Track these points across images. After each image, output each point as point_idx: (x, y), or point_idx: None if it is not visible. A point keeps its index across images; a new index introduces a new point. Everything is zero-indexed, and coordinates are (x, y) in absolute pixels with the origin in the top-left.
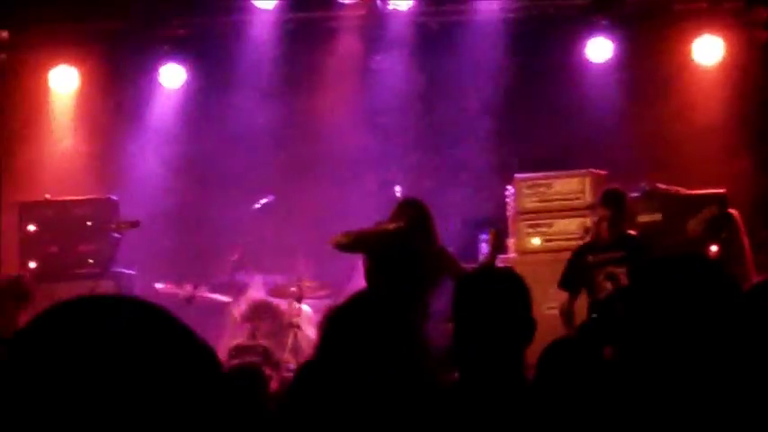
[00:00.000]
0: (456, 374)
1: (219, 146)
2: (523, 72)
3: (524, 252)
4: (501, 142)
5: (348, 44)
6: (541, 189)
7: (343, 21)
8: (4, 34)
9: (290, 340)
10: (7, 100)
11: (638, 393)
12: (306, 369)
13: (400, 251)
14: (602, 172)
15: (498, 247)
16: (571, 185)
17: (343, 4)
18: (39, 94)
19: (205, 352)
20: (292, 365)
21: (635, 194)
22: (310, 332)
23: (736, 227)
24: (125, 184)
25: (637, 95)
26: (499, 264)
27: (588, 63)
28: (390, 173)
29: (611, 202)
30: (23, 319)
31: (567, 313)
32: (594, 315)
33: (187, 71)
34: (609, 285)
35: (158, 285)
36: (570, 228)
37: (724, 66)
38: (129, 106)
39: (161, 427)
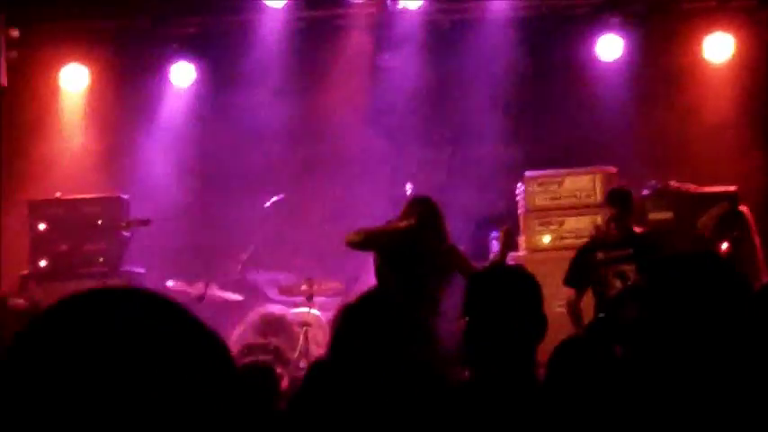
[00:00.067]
0: (467, 373)
1: (229, 144)
2: (534, 70)
3: (535, 250)
4: (511, 140)
5: (358, 42)
6: (552, 187)
7: (353, 19)
8: (15, 33)
9: (300, 339)
10: (18, 98)
11: (651, 393)
12: (317, 368)
13: (411, 249)
14: (613, 169)
15: (509, 244)
16: (582, 183)
17: (353, 3)
18: (49, 92)
19: (218, 346)
20: (303, 364)
21: (646, 192)
22: (320, 331)
23: (747, 224)
24: (135, 183)
25: (647, 93)
26: (509, 261)
27: (599, 61)
28: (401, 171)
29: (617, 201)
30: None
31: (574, 311)
32: (603, 313)
33: (197, 69)
34: (618, 283)
35: (169, 284)
36: (581, 225)
37: (734, 63)
38: (140, 104)
39: (174, 422)
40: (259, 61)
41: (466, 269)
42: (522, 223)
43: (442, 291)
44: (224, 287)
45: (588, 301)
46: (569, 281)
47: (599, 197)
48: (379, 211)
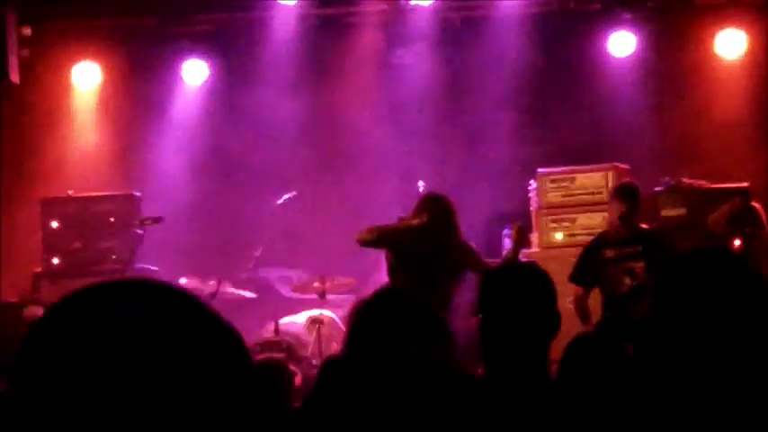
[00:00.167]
0: (481, 370)
1: (242, 141)
2: (546, 67)
3: (547, 247)
4: (524, 137)
5: (371, 39)
6: (564, 183)
7: (365, 16)
8: (27, 31)
9: (313, 337)
10: (30, 96)
11: (664, 391)
12: (331, 364)
13: (423, 247)
14: (626, 166)
15: (521, 242)
16: (594, 180)
17: (365, 0)
18: (62, 90)
19: (235, 340)
20: (316, 362)
21: (658, 189)
22: (333, 329)
23: (759, 221)
24: (148, 180)
25: (659, 89)
26: (522, 258)
27: (611, 57)
28: (413, 168)
29: (628, 196)
30: None
31: (581, 308)
32: (612, 311)
33: (210, 67)
34: (627, 280)
35: (182, 281)
36: (593, 222)
37: (746, 60)
38: (152, 102)
39: (190, 416)
40: (271, 59)
41: (478, 266)
42: (534, 220)
43: (455, 288)
44: (237, 284)
45: (595, 298)
46: (576, 278)
47: None
48: (391, 209)
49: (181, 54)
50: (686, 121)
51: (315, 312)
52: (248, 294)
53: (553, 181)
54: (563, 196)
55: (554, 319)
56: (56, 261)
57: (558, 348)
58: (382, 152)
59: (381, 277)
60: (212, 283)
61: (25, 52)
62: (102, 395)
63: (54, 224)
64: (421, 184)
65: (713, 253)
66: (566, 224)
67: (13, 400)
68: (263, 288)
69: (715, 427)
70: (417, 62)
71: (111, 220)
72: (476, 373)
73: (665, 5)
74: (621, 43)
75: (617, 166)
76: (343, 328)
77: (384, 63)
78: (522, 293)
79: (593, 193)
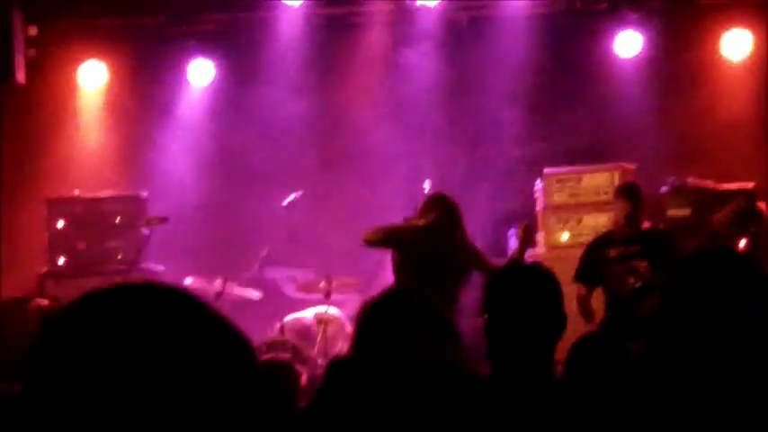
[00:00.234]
0: (486, 369)
1: (248, 141)
2: (552, 67)
3: (553, 247)
4: (530, 137)
5: (377, 39)
6: (570, 183)
7: (371, 16)
8: (34, 30)
9: (319, 337)
10: (36, 96)
11: (670, 390)
12: (337, 365)
13: (429, 247)
14: (632, 166)
15: (527, 241)
16: (600, 180)
17: (370, 1)
18: (67, 89)
19: (241, 341)
20: (321, 362)
21: (664, 189)
22: (339, 329)
23: (764, 221)
24: (153, 180)
25: (665, 90)
26: (528, 258)
27: (617, 57)
28: (419, 168)
29: (632, 196)
30: None
31: (584, 307)
32: (616, 310)
33: (216, 66)
34: (630, 280)
35: (187, 281)
36: (599, 222)
37: (752, 59)
38: (158, 102)
39: (197, 417)
40: (277, 58)
41: (483, 266)
42: (540, 220)
43: (460, 288)
44: (242, 284)
45: (597, 297)
46: (580, 277)
47: None
48: (396, 209)
49: (187, 54)
50: (692, 121)
51: (321, 309)
52: (254, 294)
53: (559, 181)
54: (569, 196)
55: (560, 320)
56: (61, 261)
57: (562, 348)
58: (388, 152)
59: (387, 277)
60: (218, 283)
61: (31, 52)
62: (110, 397)
63: (60, 224)
64: (427, 183)
65: (719, 253)
66: (571, 224)
67: (24, 402)
68: (269, 288)
69: (721, 426)
70: (423, 62)
71: (117, 220)
72: (482, 374)
73: (671, 5)
74: (627, 43)
75: (623, 167)
76: (349, 326)
77: (390, 63)
78: (528, 294)
79: (599, 194)
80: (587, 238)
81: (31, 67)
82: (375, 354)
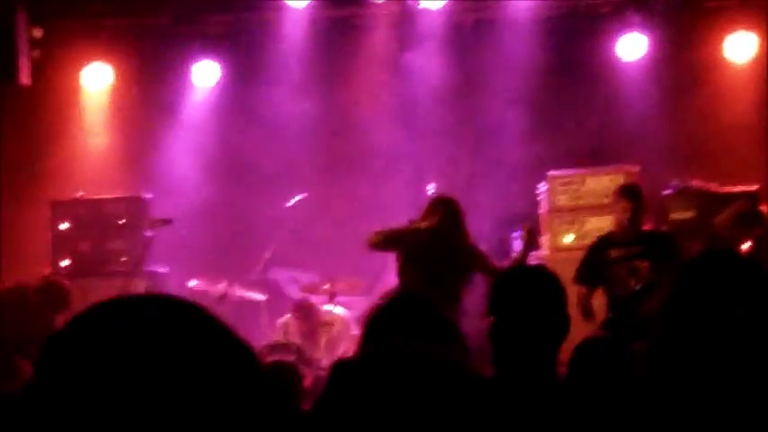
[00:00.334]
0: (490, 371)
1: (253, 143)
2: (557, 69)
3: (557, 249)
4: (534, 139)
5: (381, 41)
6: (575, 186)
7: (376, 18)
8: (38, 32)
9: (323, 339)
10: (41, 97)
11: (676, 392)
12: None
13: (432, 249)
14: (635, 169)
15: (531, 243)
16: (604, 182)
17: (374, 3)
18: (72, 91)
19: (245, 351)
20: (325, 363)
21: (668, 192)
22: (343, 330)
23: None
24: (158, 182)
25: (669, 92)
26: (531, 261)
27: (621, 59)
28: (423, 169)
29: (634, 196)
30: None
31: (585, 308)
32: (618, 311)
33: (221, 68)
34: (632, 280)
35: (191, 283)
36: (603, 225)
37: (756, 62)
38: (163, 103)
39: (202, 425)
40: (282, 60)
41: (487, 268)
42: (544, 222)
43: (464, 289)
44: (246, 286)
45: (598, 298)
46: (580, 278)
47: None
48: (401, 210)
49: (192, 55)
50: (696, 123)
51: (326, 308)
52: (258, 296)
53: (563, 183)
54: (573, 199)
55: (564, 322)
56: (65, 263)
57: (565, 350)
58: (392, 153)
59: (391, 279)
60: (222, 285)
61: (36, 53)
62: (116, 404)
63: (63, 226)
64: (431, 186)
65: (723, 255)
66: (576, 226)
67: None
68: (273, 290)
69: (727, 428)
70: (428, 64)
71: (121, 221)
72: (486, 375)
73: (675, 8)
74: (631, 46)
75: (627, 169)
76: (354, 328)
77: (394, 65)
78: (533, 296)
79: (602, 196)
80: (591, 240)
81: (36, 69)
82: (379, 355)
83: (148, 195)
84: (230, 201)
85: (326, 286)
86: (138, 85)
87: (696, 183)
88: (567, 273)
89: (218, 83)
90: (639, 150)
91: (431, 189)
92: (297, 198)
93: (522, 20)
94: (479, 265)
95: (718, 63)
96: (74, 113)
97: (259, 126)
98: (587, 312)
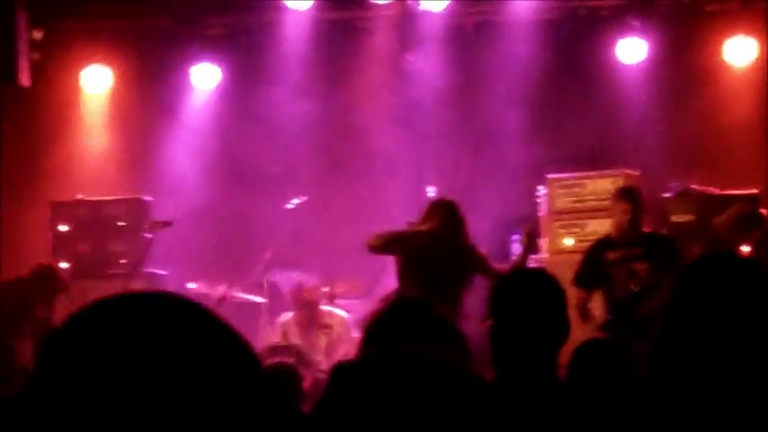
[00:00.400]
0: (491, 374)
1: (253, 145)
2: (557, 72)
3: (557, 252)
4: (534, 141)
5: (382, 43)
6: (575, 189)
7: (377, 20)
8: (38, 34)
9: (322, 341)
10: (41, 98)
11: (677, 395)
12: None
13: (432, 252)
14: (636, 172)
15: (530, 246)
16: (604, 185)
17: (375, 5)
18: (72, 92)
19: (246, 350)
20: (324, 366)
21: (668, 195)
22: (343, 332)
23: None
24: (158, 184)
25: (669, 95)
26: (531, 264)
27: (621, 63)
28: (424, 172)
29: (633, 198)
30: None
31: (583, 310)
32: (616, 313)
33: (221, 70)
34: (630, 283)
35: (191, 285)
36: (603, 228)
37: (756, 66)
38: (163, 105)
39: (202, 425)
40: (283, 62)
41: (487, 271)
42: (543, 226)
43: (464, 293)
44: (246, 289)
45: (597, 300)
46: (579, 281)
47: None
48: (401, 212)
49: (192, 57)
50: (696, 126)
51: (326, 309)
52: (258, 299)
53: (563, 186)
54: (573, 202)
55: (564, 325)
56: (64, 265)
57: (564, 352)
58: (393, 156)
59: (391, 281)
60: (221, 287)
61: (36, 55)
62: (115, 405)
63: (63, 227)
64: (431, 189)
65: (724, 257)
66: (575, 230)
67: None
68: (273, 292)
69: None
70: (429, 66)
71: (121, 224)
72: (486, 378)
73: (675, 12)
74: (631, 49)
75: (627, 172)
76: (354, 330)
77: (395, 67)
78: (533, 299)
79: (603, 199)
80: (591, 243)
81: (36, 70)
82: (380, 357)
83: (148, 197)
84: (230, 203)
85: (326, 288)
86: (138, 87)
87: (696, 186)
88: (566, 276)
89: (218, 85)
90: (639, 153)
91: (430, 191)
92: (296, 201)
93: (523, 22)
94: (479, 268)
95: (718, 67)
96: (74, 115)
97: (259, 128)
98: (585, 315)
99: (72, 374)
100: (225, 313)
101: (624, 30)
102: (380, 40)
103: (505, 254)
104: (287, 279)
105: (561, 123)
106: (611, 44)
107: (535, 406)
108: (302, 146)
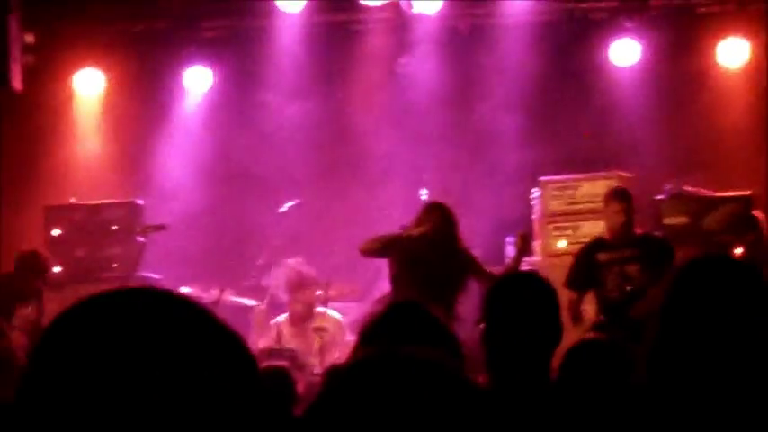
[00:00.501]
0: (484, 378)
1: (247, 148)
2: (551, 74)
3: (550, 254)
4: (529, 144)
5: (377, 47)
6: (568, 191)
7: (371, 24)
8: (30, 37)
9: (316, 343)
10: (34, 102)
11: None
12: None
13: (425, 255)
14: (629, 174)
15: (524, 249)
16: (597, 188)
17: (369, 8)
18: (65, 96)
19: (243, 350)
20: (318, 369)
21: (661, 197)
22: (338, 335)
23: (761, 229)
24: (151, 188)
25: (663, 97)
26: (525, 266)
27: (615, 65)
28: (419, 175)
29: (626, 198)
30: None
31: (575, 312)
32: (608, 315)
33: (215, 74)
34: (622, 284)
35: (183, 289)
36: (597, 231)
37: (750, 67)
38: (156, 109)
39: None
40: (277, 66)
41: (481, 274)
42: (537, 228)
43: (458, 296)
44: (239, 292)
45: (589, 301)
46: (571, 283)
47: None
48: (396, 216)
49: (186, 61)
50: (689, 129)
51: (320, 310)
52: (251, 302)
53: (556, 189)
54: (566, 204)
55: (557, 329)
56: (58, 269)
57: (556, 353)
58: (388, 159)
59: (385, 285)
60: (215, 291)
61: (29, 59)
62: (110, 404)
63: (56, 231)
64: (424, 192)
65: (721, 258)
66: (569, 232)
67: (20, 412)
68: (266, 295)
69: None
70: (423, 69)
71: (114, 227)
72: (479, 382)
73: (669, 14)
74: (625, 52)
75: (620, 175)
76: (348, 333)
77: (390, 70)
78: (526, 303)
79: (596, 202)
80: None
81: (29, 74)
82: (374, 360)
83: (142, 201)
84: (224, 206)
85: (320, 291)
86: (131, 90)
87: (689, 188)
88: (559, 278)
89: (211, 88)
90: (633, 155)
91: (423, 195)
92: (290, 204)
93: (517, 25)
94: (473, 271)
95: (712, 69)
96: (67, 119)
97: (253, 131)
98: (577, 317)
99: (65, 375)
100: (219, 317)
101: (618, 31)
102: (374, 42)
103: (500, 256)
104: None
105: (555, 126)
106: (606, 46)
107: (529, 409)
108: (296, 149)
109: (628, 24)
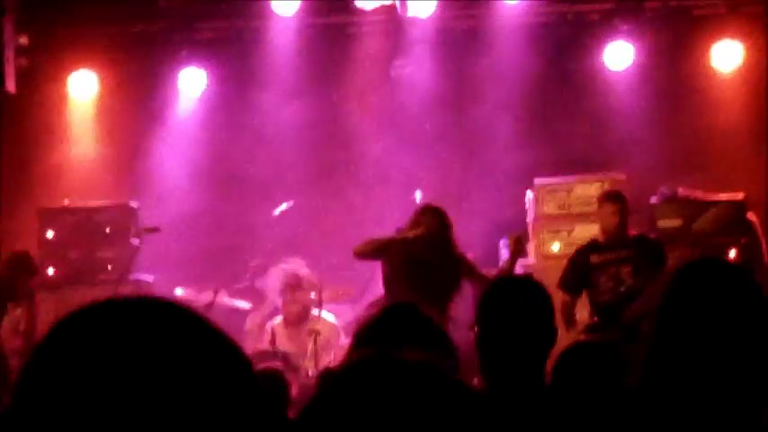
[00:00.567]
0: (478, 381)
1: (241, 151)
2: (545, 76)
3: (544, 257)
4: (524, 146)
5: (371, 49)
6: (561, 194)
7: (366, 26)
8: (24, 40)
9: (309, 346)
10: (28, 105)
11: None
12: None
13: (419, 258)
14: (623, 176)
15: (518, 252)
16: (591, 190)
17: (364, 10)
18: (59, 98)
19: (238, 355)
20: (312, 372)
21: (655, 200)
22: (332, 337)
23: (755, 232)
24: (145, 190)
25: (657, 100)
26: (519, 269)
27: (609, 68)
28: (414, 177)
29: (620, 199)
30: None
31: (568, 315)
32: (601, 317)
33: (209, 76)
34: (615, 286)
35: (177, 291)
36: (590, 233)
37: (744, 70)
38: (150, 111)
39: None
40: (272, 68)
41: (475, 277)
42: (531, 231)
43: (451, 299)
44: (233, 295)
45: (582, 303)
46: (564, 285)
47: None
48: (391, 218)
49: (180, 63)
50: (683, 131)
51: (314, 312)
52: (245, 305)
53: (550, 191)
54: (560, 207)
55: (551, 332)
56: (51, 271)
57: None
58: (383, 161)
59: (379, 287)
60: (209, 293)
61: (23, 61)
62: (106, 410)
63: (50, 234)
64: (418, 194)
65: (715, 261)
66: (562, 234)
67: (15, 418)
68: (260, 298)
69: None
70: (418, 71)
71: (108, 230)
72: (474, 386)
73: (663, 17)
74: (619, 54)
75: (613, 177)
76: (343, 335)
77: (385, 73)
78: (520, 307)
79: (589, 204)
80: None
81: (23, 77)
82: (368, 363)
83: (136, 203)
84: (218, 209)
85: (314, 294)
86: (125, 93)
87: (683, 190)
88: (553, 281)
89: (206, 90)
90: (627, 157)
91: (417, 197)
92: (283, 206)
93: (512, 27)
94: (467, 274)
95: (705, 71)
96: (61, 121)
97: (247, 134)
98: (569, 320)
99: (60, 382)
100: (214, 321)
101: (612, 34)
102: (369, 45)
103: (496, 258)
104: (281, 269)
105: (551, 128)
106: (600, 48)
107: (523, 413)
108: (291, 152)
109: (622, 26)
